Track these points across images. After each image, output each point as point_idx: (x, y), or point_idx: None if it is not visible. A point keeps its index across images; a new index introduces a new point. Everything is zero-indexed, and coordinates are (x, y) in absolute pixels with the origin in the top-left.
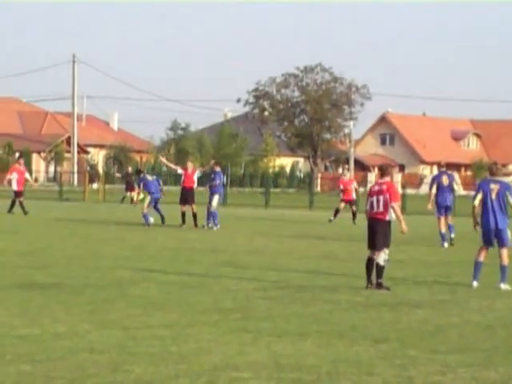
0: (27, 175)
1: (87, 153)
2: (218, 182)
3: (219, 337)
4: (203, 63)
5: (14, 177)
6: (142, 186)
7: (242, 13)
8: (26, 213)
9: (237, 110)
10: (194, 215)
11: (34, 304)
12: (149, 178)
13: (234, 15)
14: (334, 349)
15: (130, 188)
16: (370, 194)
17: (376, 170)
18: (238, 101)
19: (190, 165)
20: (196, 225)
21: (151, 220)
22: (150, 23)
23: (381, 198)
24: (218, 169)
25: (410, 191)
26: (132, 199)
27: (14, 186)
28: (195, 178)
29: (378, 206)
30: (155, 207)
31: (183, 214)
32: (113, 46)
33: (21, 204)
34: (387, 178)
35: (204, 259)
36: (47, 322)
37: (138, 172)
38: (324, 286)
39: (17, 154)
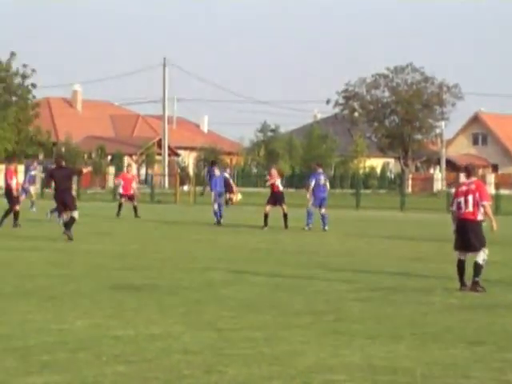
0: (134, 184)
1: (178, 155)
2: (312, 182)
3: (312, 339)
4: (293, 64)
5: (119, 183)
6: (208, 178)
7: (332, 13)
8: (118, 214)
9: (326, 111)
10: (285, 216)
11: (128, 305)
12: (216, 172)
13: (324, 15)
14: (429, 351)
15: (227, 189)
16: (457, 194)
17: (462, 170)
18: (328, 102)
19: (273, 172)
20: (286, 226)
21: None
22: (238, 25)
23: (469, 197)
24: (319, 170)
25: (503, 192)
26: (228, 200)
27: (120, 190)
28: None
29: (467, 206)
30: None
31: (266, 216)
32: (203, 49)
33: (119, 206)
34: (474, 178)
35: (296, 261)
36: (142, 324)
37: (213, 163)
38: (417, 287)
39: (109, 157)
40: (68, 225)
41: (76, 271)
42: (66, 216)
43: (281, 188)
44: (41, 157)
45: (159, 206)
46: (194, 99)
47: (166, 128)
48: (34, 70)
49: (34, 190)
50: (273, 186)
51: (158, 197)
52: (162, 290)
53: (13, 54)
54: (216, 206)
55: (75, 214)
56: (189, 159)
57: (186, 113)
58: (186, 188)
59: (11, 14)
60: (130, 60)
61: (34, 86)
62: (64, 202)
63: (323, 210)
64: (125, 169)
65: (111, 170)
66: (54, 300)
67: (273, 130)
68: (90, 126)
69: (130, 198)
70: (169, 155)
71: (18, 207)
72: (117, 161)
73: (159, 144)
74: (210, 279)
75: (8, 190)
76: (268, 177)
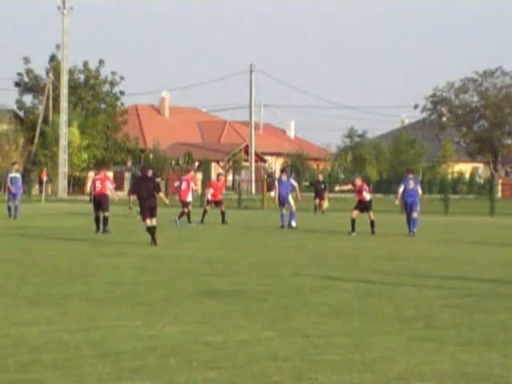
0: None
1: (265, 161)
2: (400, 188)
3: (402, 345)
4: (380, 69)
5: (210, 192)
6: (276, 183)
7: (420, 17)
8: (202, 222)
9: (414, 116)
10: (372, 223)
11: (217, 311)
12: (283, 178)
13: (412, 20)
14: None
15: (318, 196)
16: None
17: None
18: (416, 107)
19: (358, 182)
20: (374, 232)
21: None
22: (325, 31)
23: None
24: (409, 175)
25: None
26: (317, 207)
27: (209, 196)
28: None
29: None
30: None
31: (353, 221)
32: (290, 54)
33: (204, 213)
34: None
35: (384, 267)
36: (231, 329)
37: (282, 170)
38: (509, 293)
39: (196, 164)
40: (153, 233)
41: (164, 277)
42: (149, 222)
43: (367, 197)
44: (129, 163)
45: (246, 212)
46: (280, 105)
47: (252, 134)
48: (122, 78)
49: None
50: (359, 194)
51: (244, 202)
52: (250, 296)
53: (101, 62)
54: (283, 211)
55: (154, 222)
56: (275, 165)
57: (272, 119)
58: (272, 194)
59: (100, 21)
60: (218, 67)
61: (122, 93)
62: (150, 209)
63: (414, 215)
64: (215, 176)
65: (198, 176)
66: (143, 306)
67: (360, 136)
68: (178, 132)
69: (218, 203)
70: (255, 161)
71: (99, 213)
72: (204, 167)
73: (246, 150)
74: (298, 285)
75: (98, 197)
76: (346, 186)
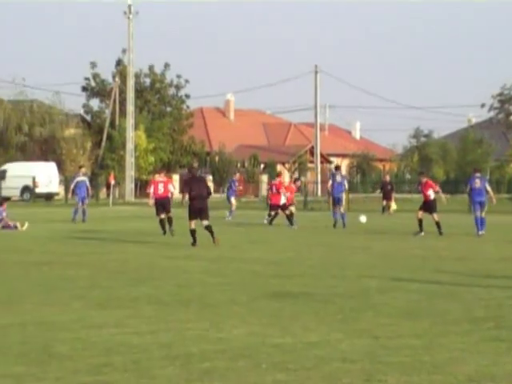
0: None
1: (330, 162)
2: (468, 188)
3: (472, 346)
4: (446, 69)
5: (286, 195)
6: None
7: (489, 16)
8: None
9: (481, 115)
10: (437, 224)
11: (285, 313)
12: (338, 178)
13: (480, 19)
14: None
15: (386, 197)
16: None
17: None
18: (483, 106)
19: (423, 178)
20: (441, 233)
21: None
22: (390, 31)
23: None
24: (476, 174)
25: None
26: (385, 208)
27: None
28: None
29: None
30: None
31: (420, 221)
32: (355, 55)
33: (288, 217)
34: None
35: (452, 267)
36: (299, 331)
37: (336, 168)
38: None
39: (261, 166)
40: (211, 232)
41: (232, 279)
42: (194, 224)
43: (432, 196)
44: (195, 166)
45: (312, 214)
46: (346, 106)
47: (318, 135)
48: (187, 81)
49: (234, 200)
50: (425, 194)
51: (310, 204)
52: (317, 298)
53: (167, 65)
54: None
55: (207, 222)
56: (341, 166)
57: (337, 120)
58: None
59: (165, 25)
60: (282, 68)
61: (187, 96)
62: (200, 210)
63: (482, 214)
64: (292, 183)
65: (264, 178)
66: (211, 308)
67: (426, 136)
68: (243, 134)
69: (283, 208)
70: (321, 162)
71: (163, 215)
72: (269, 169)
73: (311, 151)
74: (365, 286)
75: (161, 200)
76: (421, 186)
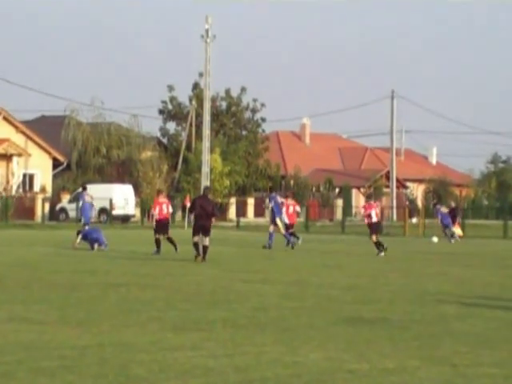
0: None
1: (406, 187)
2: None
3: None
4: None
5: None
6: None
7: None
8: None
9: None
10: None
11: (361, 339)
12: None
13: None
14: None
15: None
16: None
17: None
18: None
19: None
20: None
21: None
22: (461, 55)
23: None
24: None
25: None
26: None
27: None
28: None
29: None
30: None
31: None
32: (431, 80)
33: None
34: None
35: None
36: (375, 358)
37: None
38: None
39: (337, 190)
40: (204, 252)
41: (308, 304)
42: (196, 238)
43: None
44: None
45: (388, 239)
46: (422, 131)
47: (393, 160)
48: (263, 105)
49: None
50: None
51: (386, 229)
52: (393, 324)
53: (243, 89)
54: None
55: (207, 242)
56: (417, 191)
57: (414, 144)
58: (414, 220)
59: (242, 49)
60: (359, 93)
61: (263, 119)
62: (202, 227)
63: None
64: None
65: (339, 202)
66: (287, 332)
67: (504, 162)
68: (318, 158)
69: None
70: (397, 187)
71: (161, 236)
72: (345, 193)
73: (387, 176)
74: (442, 313)
75: (163, 220)
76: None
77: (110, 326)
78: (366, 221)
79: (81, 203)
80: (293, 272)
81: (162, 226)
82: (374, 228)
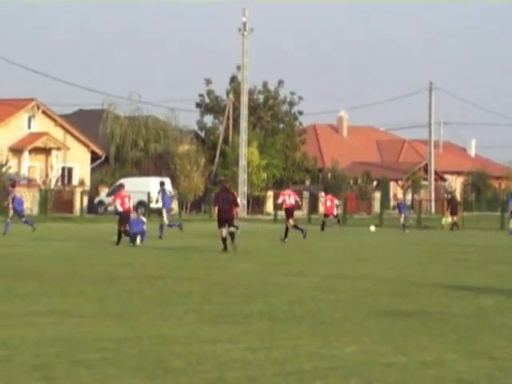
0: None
1: (444, 180)
2: None
3: None
4: None
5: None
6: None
7: None
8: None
9: None
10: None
11: (398, 332)
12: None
13: None
14: None
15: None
16: None
17: None
18: None
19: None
20: None
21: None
22: (501, 46)
23: None
24: None
25: None
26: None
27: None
28: None
29: None
30: None
31: None
32: (471, 72)
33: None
34: None
35: None
36: (413, 351)
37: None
38: None
39: (374, 183)
40: (232, 238)
41: (343, 296)
42: (224, 231)
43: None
44: (307, 183)
45: (426, 232)
46: (461, 123)
47: (432, 153)
48: (300, 98)
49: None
50: None
51: (424, 222)
52: (431, 317)
53: (280, 82)
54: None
55: (232, 229)
56: (456, 184)
57: (452, 137)
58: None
59: (279, 42)
60: (396, 85)
61: (300, 113)
62: (226, 220)
63: None
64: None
65: (377, 195)
66: (323, 325)
67: None
68: (356, 151)
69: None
70: (435, 180)
71: (123, 228)
72: (383, 186)
73: (425, 169)
74: (481, 306)
75: (126, 213)
76: None
77: (148, 319)
78: (283, 206)
79: (161, 196)
80: (328, 265)
81: (125, 218)
82: (289, 212)
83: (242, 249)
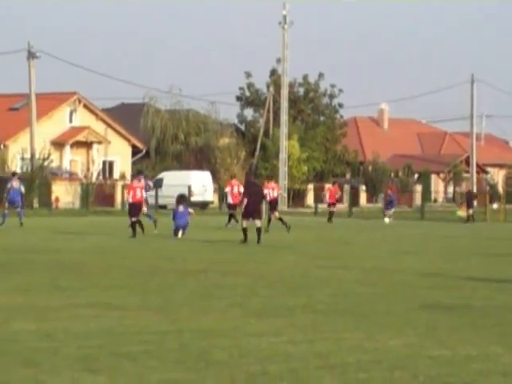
0: None
1: (486, 172)
2: None
3: None
4: None
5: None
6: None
7: None
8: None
9: None
10: None
11: (441, 325)
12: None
13: None
14: None
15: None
16: None
17: None
18: None
19: None
20: None
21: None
22: None
23: None
24: None
25: None
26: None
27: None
28: None
29: None
30: None
31: None
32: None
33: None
34: None
35: None
36: (457, 344)
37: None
38: None
39: (416, 175)
40: (259, 234)
41: (386, 290)
42: (245, 223)
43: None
44: (348, 176)
45: (468, 225)
46: (503, 115)
47: (473, 145)
48: (341, 90)
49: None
50: None
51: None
52: (474, 310)
53: (321, 75)
54: None
55: (259, 224)
56: (498, 176)
57: (494, 129)
58: (495, 206)
59: (319, 35)
60: (437, 77)
61: (341, 105)
62: (252, 212)
63: None
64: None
65: (418, 188)
66: (366, 318)
67: None
68: (397, 144)
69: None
70: (477, 172)
71: (134, 219)
72: (424, 179)
73: (467, 161)
74: None
75: (136, 204)
76: None
77: (190, 312)
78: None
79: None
80: (370, 258)
81: (134, 209)
82: (273, 205)
83: (285, 242)
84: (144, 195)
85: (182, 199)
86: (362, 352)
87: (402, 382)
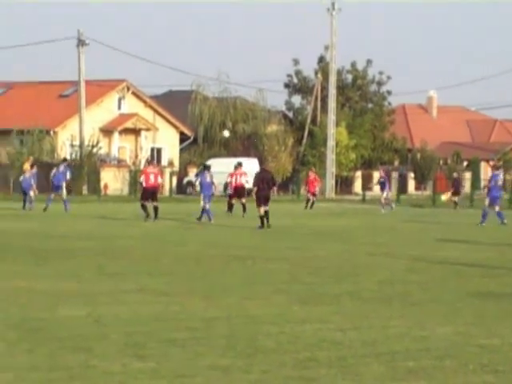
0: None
1: None
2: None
3: None
4: None
5: None
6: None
7: None
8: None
9: None
10: None
11: (490, 313)
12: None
13: None
14: None
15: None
16: None
17: None
18: None
19: None
20: None
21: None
22: None
23: None
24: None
25: None
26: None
27: None
28: None
29: None
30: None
31: None
32: None
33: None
34: None
35: None
36: (506, 332)
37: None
38: None
39: (465, 163)
40: (267, 217)
41: (432, 278)
42: (262, 210)
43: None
44: (396, 163)
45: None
46: None
47: None
48: (389, 77)
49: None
50: None
51: None
52: None
53: (369, 62)
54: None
55: (267, 208)
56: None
57: None
58: None
59: (368, 21)
60: (487, 65)
61: (389, 92)
62: (265, 198)
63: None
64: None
65: (467, 175)
66: (413, 306)
67: None
68: (446, 131)
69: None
70: None
71: (148, 203)
72: (473, 166)
73: None
74: None
75: (151, 189)
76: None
77: (236, 298)
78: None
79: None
80: (417, 245)
81: (147, 194)
82: (240, 191)
83: (330, 229)
84: (159, 181)
85: (207, 168)
86: (409, 340)
87: (451, 370)
